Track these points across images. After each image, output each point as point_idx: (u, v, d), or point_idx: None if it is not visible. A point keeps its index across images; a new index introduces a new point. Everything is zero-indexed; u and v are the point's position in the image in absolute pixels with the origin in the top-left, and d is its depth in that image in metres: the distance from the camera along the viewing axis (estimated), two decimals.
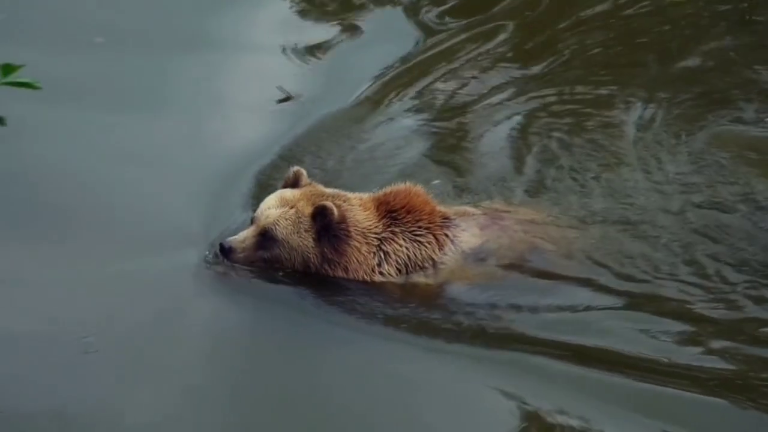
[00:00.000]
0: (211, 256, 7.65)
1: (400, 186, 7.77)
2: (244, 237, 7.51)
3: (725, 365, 7.03)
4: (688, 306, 7.54)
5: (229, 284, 7.53)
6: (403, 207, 7.67)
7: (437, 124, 9.59)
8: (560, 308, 7.48)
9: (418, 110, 9.79)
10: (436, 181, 8.62)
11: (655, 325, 7.34)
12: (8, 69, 5.51)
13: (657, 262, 7.83)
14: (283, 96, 9.79)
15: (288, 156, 8.87)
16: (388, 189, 7.77)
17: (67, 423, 6.49)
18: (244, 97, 9.81)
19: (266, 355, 7.15)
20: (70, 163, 8.64)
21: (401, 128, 9.46)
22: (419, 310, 7.43)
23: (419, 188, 7.78)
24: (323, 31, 10.93)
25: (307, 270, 7.55)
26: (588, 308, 7.49)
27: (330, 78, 10.13)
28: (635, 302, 7.55)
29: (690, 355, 7.10)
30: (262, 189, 8.24)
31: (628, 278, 7.73)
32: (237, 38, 10.56)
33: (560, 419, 6.63)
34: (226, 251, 7.48)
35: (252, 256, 7.51)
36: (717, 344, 7.23)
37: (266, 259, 7.54)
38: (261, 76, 10.14)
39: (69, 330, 7.07)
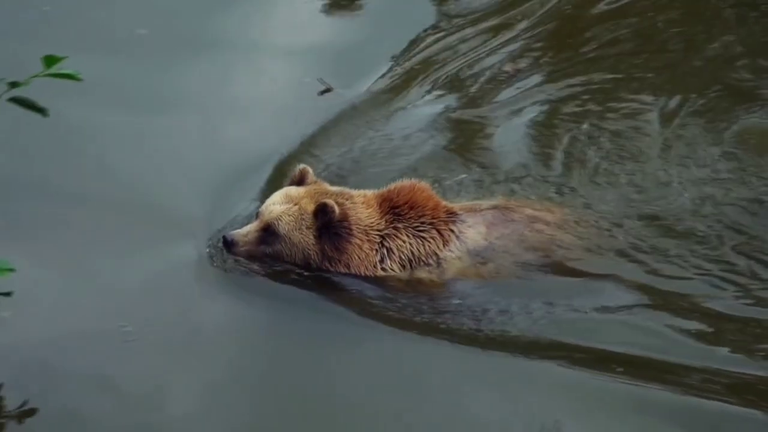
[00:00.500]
0: (213, 249, 7.72)
1: (405, 182, 7.75)
2: (247, 231, 7.56)
3: (756, 370, 6.88)
4: (715, 306, 7.38)
5: (234, 278, 7.58)
6: (406, 203, 7.64)
7: (461, 115, 9.51)
8: (572, 309, 7.35)
9: (441, 101, 9.73)
10: (463, 175, 8.60)
11: (679, 328, 7.19)
12: (51, 60, 5.59)
13: (681, 260, 7.68)
14: (323, 88, 9.81)
15: (306, 151, 8.90)
16: (392, 185, 7.75)
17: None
18: (264, 94, 9.82)
19: (275, 348, 7.20)
20: (91, 157, 8.74)
21: (424, 120, 9.40)
22: (424, 307, 7.39)
23: (424, 184, 7.75)
24: (339, 25, 10.91)
25: (308, 266, 7.57)
26: (604, 309, 7.36)
27: (349, 71, 10.09)
28: (657, 303, 7.41)
29: (716, 358, 6.96)
30: (277, 185, 8.23)
31: (649, 278, 7.59)
32: (250, 37, 10.55)
33: (562, 424, 6.58)
34: (228, 244, 7.52)
35: (254, 250, 7.56)
36: (747, 346, 7.08)
37: (268, 254, 7.57)
38: (278, 74, 10.14)
39: (108, 319, 7.18)
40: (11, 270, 5.67)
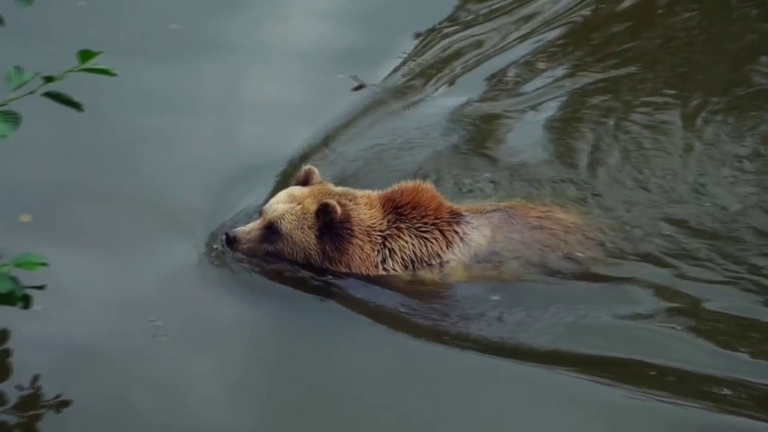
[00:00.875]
0: (218, 246, 7.78)
1: (409, 183, 7.74)
2: (249, 228, 7.62)
3: None
4: (742, 312, 7.26)
5: (243, 276, 7.64)
6: (408, 203, 7.64)
7: (483, 111, 9.45)
8: (584, 315, 7.27)
9: (462, 97, 9.67)
10: (487, 174, 8.53)
11: (703, 335, 7.08)
12: (86, 55, 5.60)
13: (706, 264, 7.60)
14: (357, 85, 9.81)
15: (330, 147, 8.95)
16: (396, 186, 7.75)
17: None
18: (295, 90, 9.83)
19: (285, 344, 7.29)
20: (120, 156, 8.80)
21: (446, 116, 9.38)
22: (427, 308, 7.38)
23: (428, 185, 7.73)
24: (360, 22, 10.87)
25: (309, 265, 7.60)
26: (620, 316, 7.26)
27: (372, 67, 10.09)
28: (679, 309, 7.30)
29: (744, 368, 6.85)
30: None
31: (672, 281, 7.48)
32: (263, 39, 10.49)
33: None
34: (230, 241, 7.59)
35: (256, 248, 7.61)
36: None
37: (270, 252, 7.62)
38: (309, 71, 10.14)
39: (137, 313, 7.30)
40: (44, 264, 5.69)
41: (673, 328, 7.13)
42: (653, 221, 7.93)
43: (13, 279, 5.72)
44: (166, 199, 8.26)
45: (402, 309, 7.37)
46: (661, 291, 7.43)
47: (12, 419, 6.41)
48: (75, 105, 5.68)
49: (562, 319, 7.22)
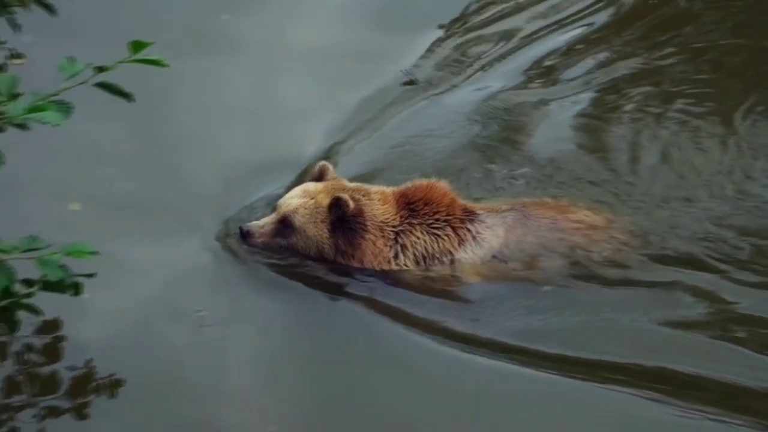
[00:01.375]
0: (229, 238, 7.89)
1: (423, 180, 7.75)
2: (263, 223, 7.71)
3: None
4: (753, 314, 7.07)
5: (261, 270, 7.73)
6: (420, 199, 7.64)
7: (515, 102, 9.35)
8: (598, 319, 7.17)
9: (492, 88, 9.60)
10: (525, 169, 8.47)
11: (733, 343, 6.90)
12: (138, 46, 5.63)
13: (725, 273, 7.40)
14: (406, 79, 9.80)
15: (369, 137, 9.00)
16: (410, 183, 7.76)
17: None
18: (347, 82, 9.82)
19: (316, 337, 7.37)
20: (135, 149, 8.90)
21: (474, 109, 9.29)
22: (442, 306, 7.38)
23: (442, 183, 7.72)
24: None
25: (322, 260, 7.65)
26: (637, 322, 7.11)
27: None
28: (710, 315, 7.14)
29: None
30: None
31: (702, 287, 7.30)
32: (291, 39, 10.46)
33: None
34: (244, 235, 7.68)
35: (270, 242, 7.68)
36: None
37: (283, 246, 7.70)
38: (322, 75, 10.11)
39: (180, 304, 7.45)
40: (95, 253, 5.75)
41: (709, 335, 6.97)
42: (687, 222, 7.77)
43: (63, 267, 5.79)
44: (204, 194, 8.38)
45: (419, 306, 7.37)
46: (697, 295, 7.27)
47: (65, 403, 6.59)
48: (125, 95, 5.72)
49: (582, 324, 7.14)
